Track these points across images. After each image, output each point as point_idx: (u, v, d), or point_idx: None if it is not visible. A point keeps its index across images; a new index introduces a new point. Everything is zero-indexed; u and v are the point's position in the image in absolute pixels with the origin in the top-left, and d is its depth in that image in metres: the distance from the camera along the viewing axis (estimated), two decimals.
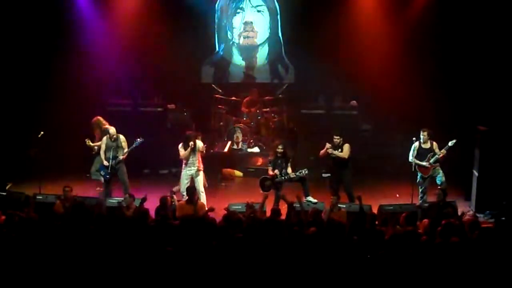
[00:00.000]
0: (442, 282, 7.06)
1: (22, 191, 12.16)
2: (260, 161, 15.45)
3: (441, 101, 14.37)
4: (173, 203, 10.83)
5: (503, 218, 10.08)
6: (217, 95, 16.28)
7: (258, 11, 16.90)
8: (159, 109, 15.83)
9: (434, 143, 11.93)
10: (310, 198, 11.72)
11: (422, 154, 11.93)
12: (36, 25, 14.79)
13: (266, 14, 16.87)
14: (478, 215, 10.96)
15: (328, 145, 11.99)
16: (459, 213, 10.15)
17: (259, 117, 16.16)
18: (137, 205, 10.29)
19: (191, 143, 11.78)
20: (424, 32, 14.68)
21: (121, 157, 12.16)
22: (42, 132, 12.67)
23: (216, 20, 16.84)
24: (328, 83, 15.79)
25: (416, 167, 11.89)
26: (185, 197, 11.41)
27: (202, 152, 12.08)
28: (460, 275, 7.12)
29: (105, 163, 12.20)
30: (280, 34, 16.81)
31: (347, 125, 14.54)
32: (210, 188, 12.73)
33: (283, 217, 9.76)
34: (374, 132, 15.58)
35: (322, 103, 16.13)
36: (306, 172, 11.78)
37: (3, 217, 8.79)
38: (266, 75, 17.13)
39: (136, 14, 15.54)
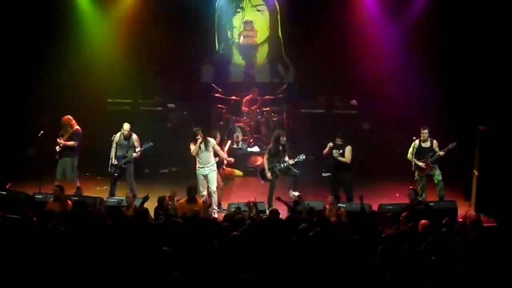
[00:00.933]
0: (442, 282, 7.07)
1: (22, 190, 12.14)
2: (260, 160, 15.45)
3: (441, 100, 14.36)
4: (170, 202, 10.78)
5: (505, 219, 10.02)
6: (217, 95, 16.27)
7: (258, 10, 16.87)
8: (159, 108, 15.83)
9: (435, 141, 11.95)
10: (293, 192, 11.80)
11: (421, 153, 11.97)
12: (36, 25, 14.78)
13: (266, 13, 16.84)
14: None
15: (330, 144, 12.00)
16: (461, 217, 10.15)
17: (259, 117, 16.16)
18: (137, 205, 10.29)
19: (198, 138, 11.72)
20: (424, 32, 14.66)
21: (134, 155, 12.11)
22: (42, 132, 12.65)
23: (216, 20, 16.82)
24: (328, 83, 15.79)
25: (414, 165, 11.93)
26: (203, 195, 11.49)
27: (218, 150, 12.01)
28: (460, 275, 7.13)
29: (114, 161, 12.18)
30: (280, 34, 16.80)
31: (347, 125, 14.54)
32: None
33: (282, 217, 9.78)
34: (374, 132, 15.58)
35: (322, 103, 16.13)
36: (304, 157, 11.86)
37: None
38: (266, 74, 17.11)
39: (136, 14, 15.50)
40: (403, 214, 9.47)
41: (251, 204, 10.09)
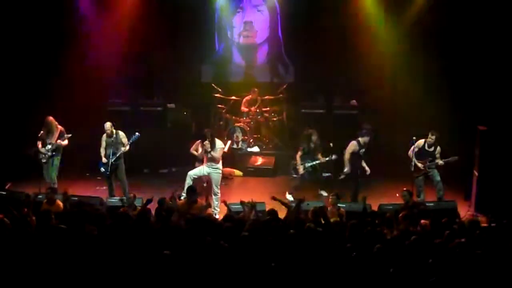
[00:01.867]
0: (442, 282, 7.07)
1: (22, 190, 12.14)
2: (260, 160, 15.46)
3: (441, 100, 14.35)
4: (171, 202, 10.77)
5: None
6: (217, 95, 16.27)
7: (258, 10, 16.90)
8: (159, 108, 15.84)
9: (438, 148, 12.02)
10: (288, 196, 12.34)
11: (422, 155, 12.00)
12: (36, 25, 14.78)
13: (266, 13, 16.87)
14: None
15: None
16: (462, 218, 10.17)
17: (259, 117, 16.16)
18: (137, 205, 10.28)
19: (206, 142, 11.79)
20: (424, 32, 14.66)
21: (122, 149, 12.18)
22: (42, 131, 12.63)
23: (216, 20, 16.84)
24: (328, 83, 15.77)
25: (412, 164, 11.96)
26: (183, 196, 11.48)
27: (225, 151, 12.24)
28: (460, 275, 7.13)
29: (104, 160, 12.24)
30: (280, 34, 16.80)
31: (347, 125, 14.53)
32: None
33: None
34: (374, 132, 15.54)
35: (322, 103, 16.13)
36: (335, 157, 12.53)
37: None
38: (266, 74, 17.14)
39: (136, 14, 15.51)
40: (400, 215, 9.48)
41: (249, 204, 10.07)
